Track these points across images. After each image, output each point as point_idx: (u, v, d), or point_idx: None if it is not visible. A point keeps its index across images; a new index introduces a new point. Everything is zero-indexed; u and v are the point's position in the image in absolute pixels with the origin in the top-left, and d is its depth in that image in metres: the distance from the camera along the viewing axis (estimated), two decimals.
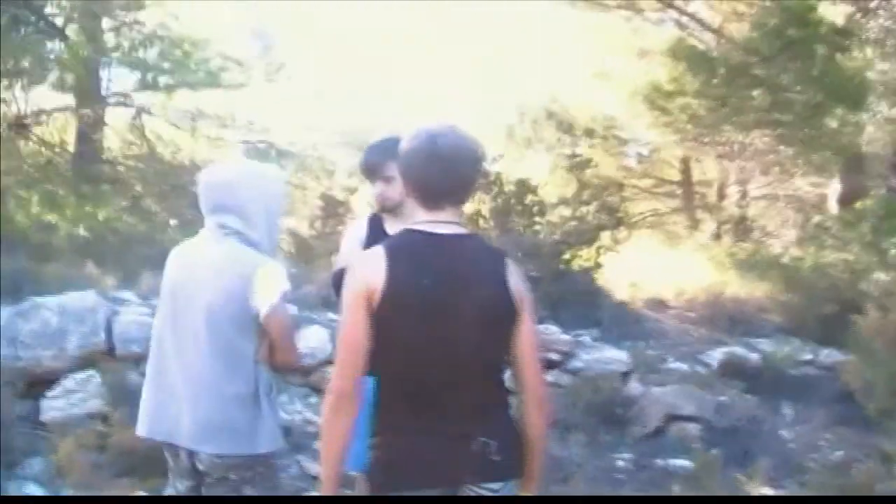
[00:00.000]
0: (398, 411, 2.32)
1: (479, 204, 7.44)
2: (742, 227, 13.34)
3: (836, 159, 9.38)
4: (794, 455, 6.20)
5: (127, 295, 6.49)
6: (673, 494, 5.34)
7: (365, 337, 2.27)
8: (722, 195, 14.38)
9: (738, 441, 6.18)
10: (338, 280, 3.66)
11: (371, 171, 3.57)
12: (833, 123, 8.89)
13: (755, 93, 8.47)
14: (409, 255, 2.32)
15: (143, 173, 10.25)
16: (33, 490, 4.79)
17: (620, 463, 6.05)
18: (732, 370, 7.06)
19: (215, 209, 2.91)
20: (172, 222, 9.72)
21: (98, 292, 6.14)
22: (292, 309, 6.18)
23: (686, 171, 14.94)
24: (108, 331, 5.71)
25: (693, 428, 6.40)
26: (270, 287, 2.84)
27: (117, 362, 5.59)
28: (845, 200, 10.92)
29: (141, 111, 10.64)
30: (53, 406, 5.32)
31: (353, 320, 2.29)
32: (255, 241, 2.91)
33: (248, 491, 2.86)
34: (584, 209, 7.74)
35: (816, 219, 10.74)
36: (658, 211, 15.49)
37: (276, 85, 11.35)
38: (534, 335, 2.45)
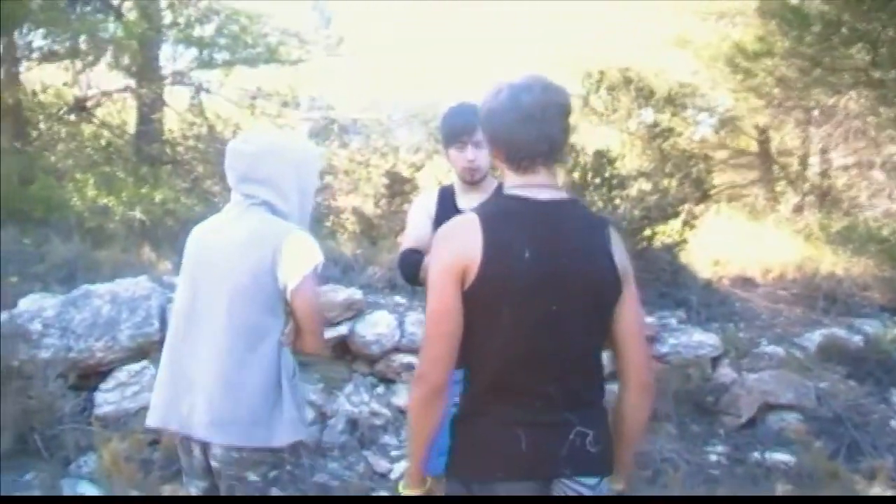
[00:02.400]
0: (489, 398, 2.10)
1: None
2: (829, 198, 12.53)
3: None
4: None
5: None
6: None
7: (458, 319, 2.05)
8: (805, 164, 13.56)
9: (843, 433, 5.66)
10: (406, 261, 3.29)
11: (459, 134, 3.24)
12: None
13: (853, 49, 7.76)
14: (507, 224, 2.08)
15: (203, 153, 10.01)
16: (88, 489, 4.53)
17: (713, 457, 5.59)
18: (833, 354, 6.48)
19: (243, 179, 2.65)
20: None
21: (151, 278, 5.84)
22: (357, 293, 5.82)
23: (765, 140, 14.13)
24: (162, 319, 5.39)
25: (792, 418, 5.87)
26: (301, 259, 2.55)
27: None
28: None
29: (199, 89, 10.39)
30: (108, 399, 5.03)
31: (444, 300, 2.06)
32: (284, 213, 2.64)
33: (275, 493, 2.55)
34: (666, 182, 7.19)
35: None
36: (735, 183, 14.74)
37: (337, 60, 11.05)
38: (639, 311, 2.21)
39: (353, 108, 11.52)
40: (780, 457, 5.46)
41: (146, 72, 10.17)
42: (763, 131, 13.52)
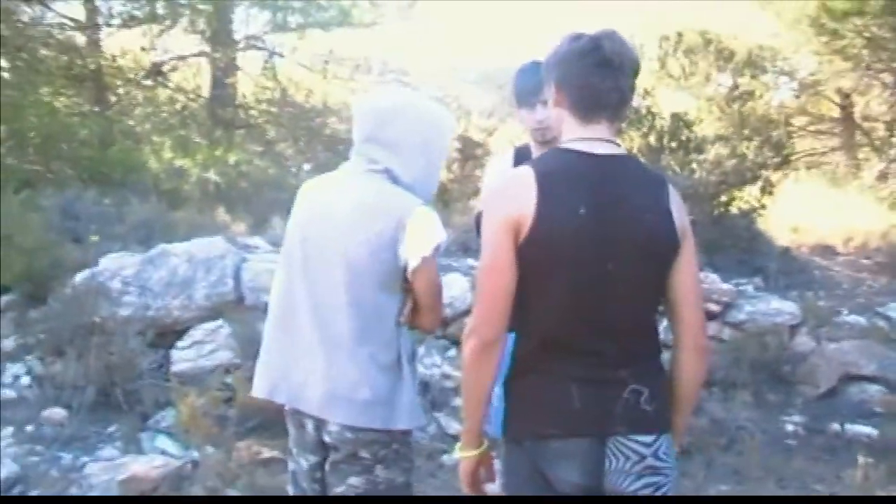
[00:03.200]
0: (542, 356, 2.04)
1: (628, 141, 6.83)
2: None
3: None
4: None
5: (256, 241, 6.27)
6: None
7: (512, 274, 1.99)
8: (892, 130, 13.04)
9: None
10: (481, 222, 3.26)
11: (529, 94, 3.14)
12: None
13: None
14: (563, 178, 2.01)
15: (276, 117, 10.10)
16: (166, 443, 4.64)
17: (790, 427, 5.45)
18: None
19: (368, 138, 2.46)
20: (306, 167, 9.53)
21: (227, 238, 5.93)
22: None
23: (848, 105, 13.63)
24: (237, 279, 5.48)
25: (875, 390, 5.69)
26: (424, 236, 2.38)
27: (246, 312, 5.34)
28: None
29: (273, 54, 10.47)
30: (184, 357, 5.15)
31: (496, 255, 2.00)
32: (407, 184, 2.44)
33: (381, 472, 2.44)
34: (744, 146, 6.99)
35: None
36: (815, 150, 14.29)
37: (410, 23, 10.98)
38: (696, 271, 2.13)
39: (426, 72, 11.49)
40: (862, 429, 5.30)
41: (220, 36, 10.28)
42: (847, 96, 13.06)
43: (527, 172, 2.02)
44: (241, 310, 5.36)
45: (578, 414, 2.00)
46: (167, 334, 5.28)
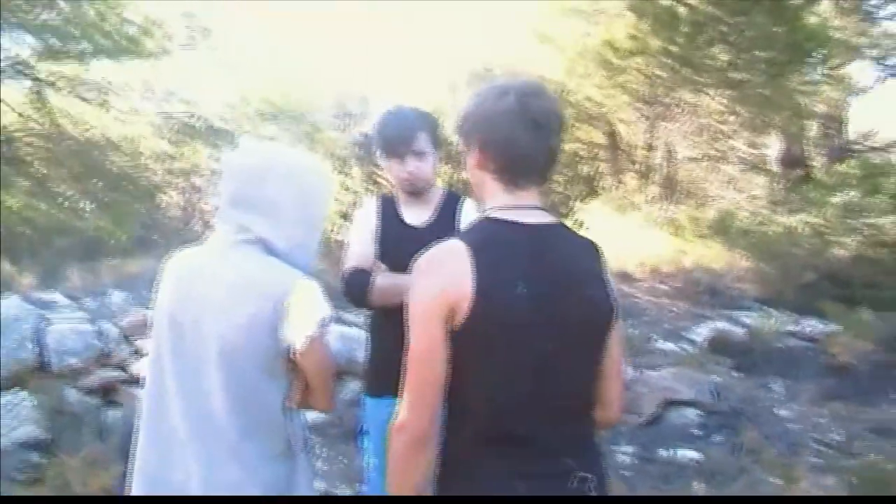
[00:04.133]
0: (477, 452, 1.87)
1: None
2: (680, 188, 13.05)
3: (795, 121, 9.10)
4: (797, 437, 5.86)
5: (55, 296, 5.61)
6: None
7: (444, 361, 1.81)
8: (653, 157, 14.04)
9: (740, 425, 5.81)
10: (352, 283, 3.03)
11: (399, 144, 3.02)
12: (792, 83, 8.60)
13: (716, 49, 8.05)
14: (498, 253, 1.86)
15: (50, 153, 9.13)
16: None
17: (623, 458, 5.59)
18: (720, 347, 6.69)
19: (237, 202, 2.16)
20: (88, 207, 8.68)
21: (21, 297, 5.26)
22: None
23: (612, 133, 14.52)
24: (39, 342, 4.87)
25: (692, 413, 5.98)
26: (308, 313, 2.13)
27: (53, 379, 4.78)
28: (786, 162, 10.85)
29: (42, 83, 9.44)
30: None
31: (428, 340, 1.81)
32: (284, 253, 2.17)
33: None
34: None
35: (760, 180, 10.52)
36: (590, 175, 15.07)
37: (197, 54, 10.33)
38: (622, 344, 2.04)
39: (216, 104, 10.92)
40: (688, 453, 5.53)
41: None
42: (611, 124, 13.89)
43: (459, 247, 1.85)
44: (46, 376, 4.78)
45: None
46: None
